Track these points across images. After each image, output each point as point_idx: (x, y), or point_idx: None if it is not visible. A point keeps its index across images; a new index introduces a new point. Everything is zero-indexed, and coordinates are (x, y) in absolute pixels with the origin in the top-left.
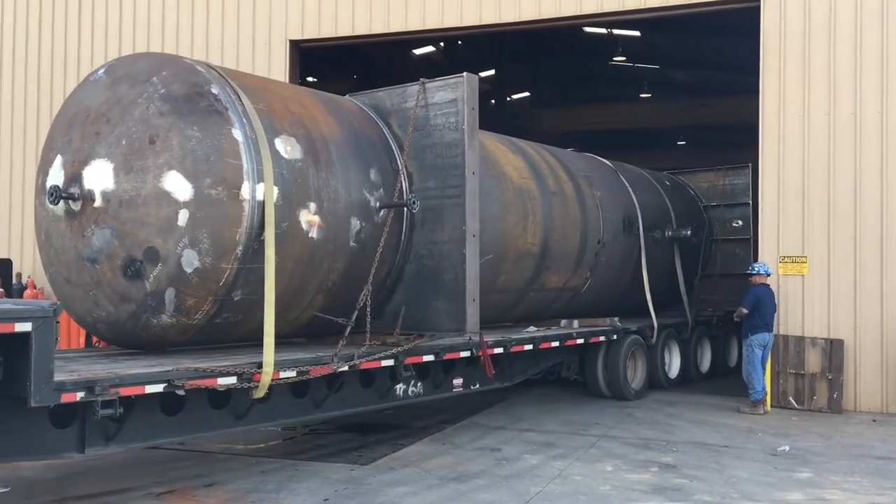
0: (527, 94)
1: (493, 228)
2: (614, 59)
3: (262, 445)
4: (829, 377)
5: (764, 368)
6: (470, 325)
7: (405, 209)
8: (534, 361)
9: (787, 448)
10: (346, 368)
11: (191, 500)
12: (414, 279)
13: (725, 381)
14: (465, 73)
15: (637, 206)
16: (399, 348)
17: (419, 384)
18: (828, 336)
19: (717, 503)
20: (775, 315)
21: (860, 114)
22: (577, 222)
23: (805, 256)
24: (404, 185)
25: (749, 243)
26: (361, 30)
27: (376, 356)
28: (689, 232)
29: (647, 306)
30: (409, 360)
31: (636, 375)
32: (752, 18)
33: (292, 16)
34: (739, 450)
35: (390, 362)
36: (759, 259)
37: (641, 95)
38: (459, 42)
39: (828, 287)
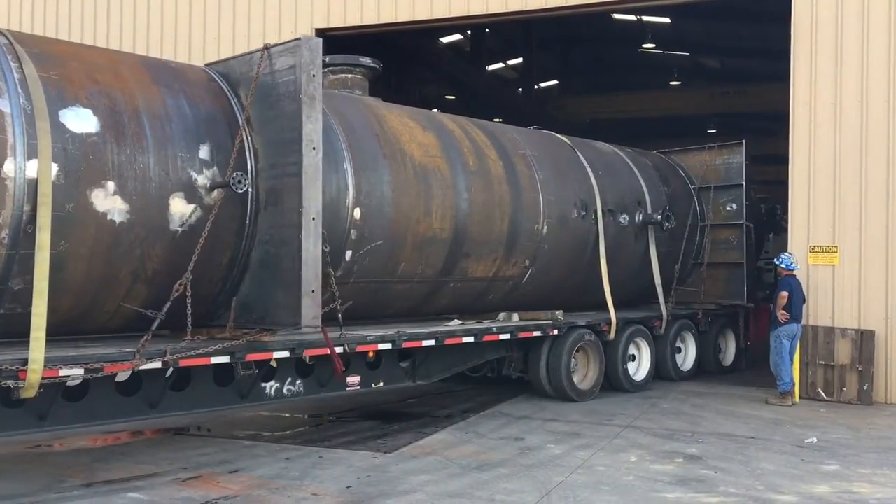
0: (555, 82)
1: (383, 213)
2: (643, 46)
3: (287, 432)
4: (860, 368)
5: (792, 359)
6: (306, 318)
7: (251, 189)
8: (460, 358)
9: (814, 440)
10: (156, 366)
11: (215, 485)
12: (258, 268)
13: (753, 373)
14: (302, 35)
15: (595, 188)
16: (226, 344)
17: (298, 382)
18: (858, 327)
19: (742, 495)
20: (804, 306)
21: (893, 101)
22: (507, 205)
23: (836, 246)
24: (249, 161)
25: (742, 229)
26: (387, 17)
27: (196, 353)
28: (659, 216)
29: (606, 298)
30: (253, 357)
31: (587, 375)
32: (783, 3)
33: (318, 4)
34: (766, 441)
35: (224, 359)
36: (789, 248)
37: (671, 83)
38: (487, 30)
39: (859, 277)
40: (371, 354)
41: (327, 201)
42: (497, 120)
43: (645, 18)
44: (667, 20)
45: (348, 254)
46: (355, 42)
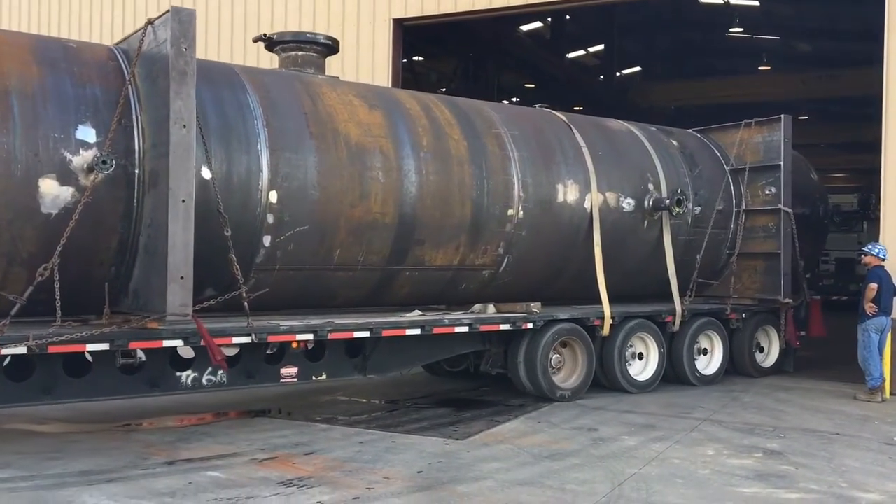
0: (638, 68)
1: (307, 196)
2: (731, 30)
3: (363, 417)
4: None
5: (882, 354)
6: (172, 305)
7: (137, 170)
8: (425, 351)
9: None
10: (19, 351)
11: (290, 466)
12: (144, 252)
13: (843, 367)
14: (172, 6)
15: (591, 169)
16: (103, 331)
17: (220, 373)
18: None
19: (823, 492)
20: (895, 299)
21: None
22: (469, 188)
23: None
24: (138, 141)
25: (780, 215)
26: (465, 6)
27: (64, 339)
28: (668, 200)
29: (600, 290)
30: (138, 346)
31: (574, 373)
32: None
33: None
34: (852, 438)
35: (104, 346)
36: (881, 239)
37: (760, 68)
38: (567, 16)
39: None
40: (296, 345)
41: (236, 184)
42: (577, 108)
43: (732, 1)
44: (755, 3)
45: (267, 239)
46: (434, 31)
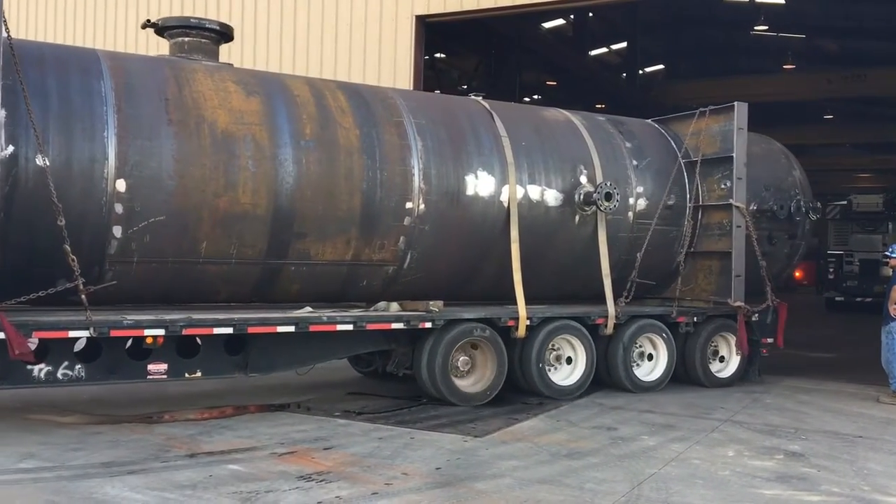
0: (660, 66)
1: (161, 185)
2: (756, 28)
3: (381, 413)
4: None
5: None
6: None
7: None
8: (317, 350)
9: None
10: None
11: (309, 461)
12: None
13: (864, 369)
14: None
15: (510, 160)
16: None
17: (78, 367)
18: None
19: (845, 495)
20: None
21: None
22: (357, 179)
23: None
24: None
25: (731, 210)
26: (487, 3)
27: None
28: (596, 194)
29: (516, 289)
30: None
31: (484, 376)
32: None
33: None
34: (875, 441)
35: None
36: None
37: (785, 67)
38: (590, 14)
39: None
40: (150, 340)
41: (77, 172)
42: (599, 106)
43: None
44: (781, 0)
45: (117, 230)
46: (457, 30)
